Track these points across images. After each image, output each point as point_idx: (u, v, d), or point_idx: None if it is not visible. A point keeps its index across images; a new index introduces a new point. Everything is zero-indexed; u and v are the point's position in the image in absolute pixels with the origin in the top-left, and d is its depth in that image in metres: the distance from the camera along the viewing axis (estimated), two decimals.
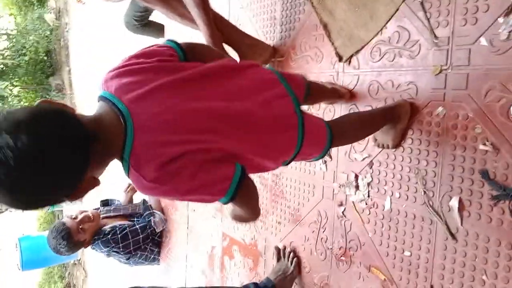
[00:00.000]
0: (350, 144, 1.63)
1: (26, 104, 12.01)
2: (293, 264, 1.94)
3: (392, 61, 1.47)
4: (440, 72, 1.33)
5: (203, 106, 0.94)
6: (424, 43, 1.37)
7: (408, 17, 1.41)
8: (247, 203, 1.06)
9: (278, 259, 2.03)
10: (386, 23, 1.48)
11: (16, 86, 11.02)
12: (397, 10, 1.44)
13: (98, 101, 0.91)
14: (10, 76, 10.95)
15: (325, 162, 1.77)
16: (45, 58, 10.93)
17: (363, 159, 1.59)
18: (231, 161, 0.95)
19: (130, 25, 2.68)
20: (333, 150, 1.72)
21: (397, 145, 1.46)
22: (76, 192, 0.79)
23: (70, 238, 2.57)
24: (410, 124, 1.42)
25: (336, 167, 1.72)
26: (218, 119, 0.95)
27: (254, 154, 1.03)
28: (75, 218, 2.64)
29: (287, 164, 1.21)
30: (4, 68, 10.82)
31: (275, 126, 1.07)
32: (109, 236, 2.75)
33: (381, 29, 1.50)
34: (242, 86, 1.06)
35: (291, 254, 1.97)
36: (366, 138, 1.57)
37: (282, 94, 1.14)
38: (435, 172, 1.36)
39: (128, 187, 3.36)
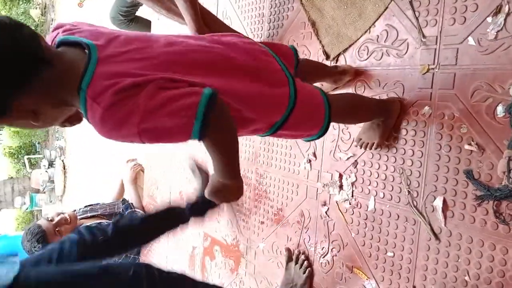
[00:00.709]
0: (336, 143, 1.62)
1: None
2: (305, 274, 1.72)
3: (379, 59, 1.46)
4: (428, 71, 1.32)
5: (178, 47, 0.92)
6: (412, 42, 1.36)
7: (397, 16, 1.40)
8: (224, 134, 0.88)
9: (288, 262, 1.82)
10: (375, 21, 1.47)
11: None
12: (386, 8, 1.44)
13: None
14: None
15: (310, 161, 1.75)
16: None
17: (348, 158, 1.58)
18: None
19: (116, 20, 2.64)
20: (318, 149, 1.71)
21: (382, 143, 1.44)
22: (5, 117, 0.76)
23: (45, 241, 2.49)
24: (398, 123, 1.41)
25: (321, 166, 1.70)
26: (197, 56, 0.92)
27: (239, 101, 0.94)
28: (52, 220, 2.56)
29: (275, 131, 1.11)
30: None
31: (261, 76, 1.03)
32: None
33: (370, 28, 1.49)
34: (225, 40, 1.07)
35: (305, 263, 1.75)
36: (351, 137, 1.55)
37: (266, 53, 1.12)
38: (419, 172, 1.35)
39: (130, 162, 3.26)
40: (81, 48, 0.83)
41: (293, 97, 1.07)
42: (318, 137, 1.22)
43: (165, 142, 0.83)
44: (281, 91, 1.06)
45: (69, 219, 2.67)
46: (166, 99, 0.78)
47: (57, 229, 2.57)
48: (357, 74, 1.54)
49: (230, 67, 0.98)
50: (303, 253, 1.78)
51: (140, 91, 0.77)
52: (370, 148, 1.47)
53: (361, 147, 1.50)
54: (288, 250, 1.85)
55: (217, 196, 1.00)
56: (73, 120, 0.92)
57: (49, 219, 2.62)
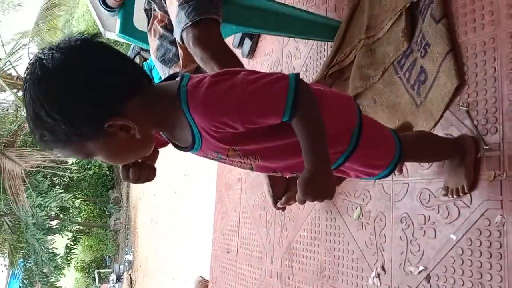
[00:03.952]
0: (405, 255, 1.54)
1: (85, 216, 12.58)
2: None
3: (442, 168, 1.44)
4: (494, 178, 1.28)
5: None
6: None
7: (455, 125, 1.42)
8: (312, 111, 0.90)
9: None
10: None
11: (78, 198, 11.67)
12: (436, 123, 1.47)
13: None
14: (74, 189, 11.66)
15: (378, 275, 1.66)
16: (108, 172, 11.64)
17: (419, 272, 1.49)
18: None
19: None
20: (386, 262, 1.63)
21: (473, 183, 1.33)
22: (101, 135, 0.80)
23: None
24: (477, 163, 1.33)
25: (390, 281, 1.61)
26: None
27: None
28: None
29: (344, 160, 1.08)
30: (70, 181, 11.59)
31: None
32: None
33: None
34: None
35: None
36: (421, 249, 1.48)
37: None
38: None
39: None
40: None
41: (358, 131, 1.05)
42: (387, 174, 1.16)
43: (259, 119, 0.87)
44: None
45: None
46: (261, 76, 0.86)
47: None
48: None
49: None
50: None
51: (235, 74, 0.86)
52: (462, 193, 1.34)
53: (452, 195, 1.37)
54: None
55: (309, 189, 0.91)
56: (149, 160, 0.98)
57: None
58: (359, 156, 1.06)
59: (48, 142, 0.79)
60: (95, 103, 0.77)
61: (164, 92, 0.87)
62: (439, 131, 1.47)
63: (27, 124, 0.81)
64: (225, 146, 0.93)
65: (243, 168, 1.09)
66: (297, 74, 0.88)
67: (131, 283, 8.91)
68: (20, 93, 9.87)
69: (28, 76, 0.76)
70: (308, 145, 0.91)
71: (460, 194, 1.34)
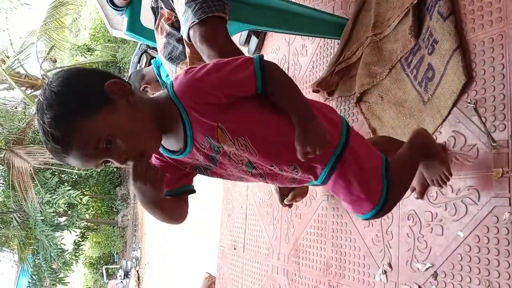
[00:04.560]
0: (412, 252, 1.54)
1: (93, 213, 12.67)
2: None
3: (452, 164, 1.44)
4: (502, 175, 1.28)
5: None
6: (482, 147, 1.35)
7: (463, 122, 1.41)
8: (282, 77, 1.00)
9: None
10: (433, 132, 1.50)
11: (86, 195, 11.76)
12: (444, 121, 1.47)
13: None
14: (82, 186, 11.76)
15: (385, 272, 1.66)
16: (115, 169, 11.71)
17: (426, 269, 1.49)
18: None
19: None
20: (393, 258, 1.63)
21: (448, 167, 1.37)
22: (106, 103, 0.88)
23: None
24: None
25: (397, 278, 1.61)
26: None
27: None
28: None
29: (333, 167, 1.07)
30: (78, 178, 11.69)
31: None
32: None
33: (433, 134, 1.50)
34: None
35: None
36: (428, 245, 1.48)
37: None
38: (509, 286, 1.23)
39: None
40: None
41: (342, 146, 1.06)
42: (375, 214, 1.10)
43: (235, 91, 0.95)
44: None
45: None
46: (230, 60, 0.96)
47: None
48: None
49: None
50: None
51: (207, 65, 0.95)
52: (446, 179, 1.36)
53: (439, 185, 1.40)
54: None
55: (305, 140, 0.96)
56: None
57: None
58: (343, 174, 1.06)
59: (60, 129, 0.84)
60: (93, 77, 0.92)
61: (153, 97, 0.99)
62: (446, 128, 1.46)
63: (42, 125, 0.86)
64: (212, 122, 0.95)
65: (241, 167, 1.07)
66: (261, 55, 0.98)
67: (138, 279, 8.97)
68: (29, 91, 9.95)
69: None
70: (289, 106, 0.98)
71: (445, 180, 1.38)
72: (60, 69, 0.92)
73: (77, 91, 0.87)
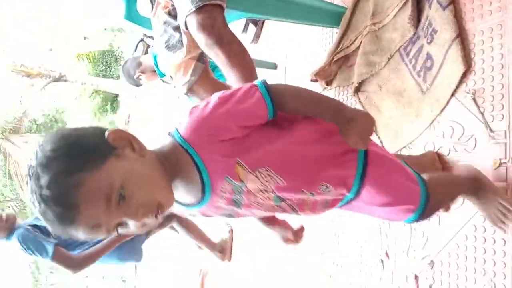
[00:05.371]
0: (409, 241, 1.55)
1: None
2: None
3: (447, 155, 1.45)
4: (500, 165, 1.28)
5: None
6: (480, 137, 1.35)
7: (461, 112, 1.41)
8: (288, 88, 0.94)
9: None
10: (432, 122, 1.50)
11: None
12: (442, 110, 1.46)
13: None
14: None
15: (382, 261, 1.67)
16: None
17: (423, 258, 1.50)
18: None
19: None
20: (391, 247, 1.64)
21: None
22: (111, 154, 0.79)
23: None
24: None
25: (394, 267, 1.62)
26: None
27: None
28: None
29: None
30: None
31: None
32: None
33: (427, 128, 1.52)
34: None
35: None
36: (424, 235, 1.49)
37: None
38: (504, 275, 1.24)
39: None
40: None
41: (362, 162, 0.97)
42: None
43: (248, 120, 0.88)
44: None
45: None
46: (234, 91, 0.89)
47: None
48: None
49: None
50: None
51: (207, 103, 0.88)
52: (510, 212, 1.20)
53: (501, 223, 1.23)
54: None
55: (353, 134, 0.91)
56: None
57: None
58: (375, 177, 0.98)
59: (64, 183, 0.73)
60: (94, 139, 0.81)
61: (158, 148, 0.89)
62: (444, 118, 1.46)
63: (37, 191, 0.74)
64: (230, 160, 0.87)
65: (268, 203, 0.96)
66: (263, 79, 0.92)
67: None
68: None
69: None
70: (314, 111, 0.93)
71: (506, 212, 1.21)
72: (46, 134, 0.82)
73: (77, 145, 0.77)
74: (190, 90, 1.91)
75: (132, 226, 0.80)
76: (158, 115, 6.19)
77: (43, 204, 0.73)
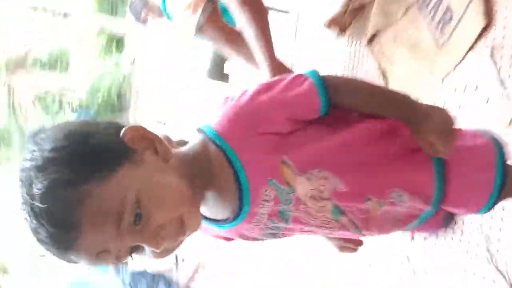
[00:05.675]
0: None
1: None
2: None
3: (458, 111, 1.43)
4: (511, 124, 1.28)
5: None
6: (494, 95, 1.33)
7: (477, 67, 1.39)
8: (347, 79, 0.84)
9: None
10: (445, 77, 1.48)
11: None
12: (457, 65, 1.44)
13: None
14: None
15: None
16: (115, 98, 11.71)
17: None
18: None
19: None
20: None
21: None
22: (127, 158, 0.61)
23: None
24: None
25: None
26: None
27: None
28: None
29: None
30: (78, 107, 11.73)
31: None
32: None
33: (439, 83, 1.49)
34: None
35: None
36: None
37: None
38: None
39: None
40: None
41: None
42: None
43: (297, 110, 0.71)
44: None
45: None
46: (279, 78, 0.72)
47: None
48: None
49: None
50: None
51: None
52: None
53: None
54: None
55: (433, 132, 0.71)
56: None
57: None
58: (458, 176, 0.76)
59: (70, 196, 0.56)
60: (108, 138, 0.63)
61: (186, 149, 0.71)
62: (458, 73, 1.44)
63: (29, 201, 0.56)
64: (275, 157, 0.69)
65: (324, 217, 0.75)
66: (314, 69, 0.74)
67: None
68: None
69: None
70: (382, 107, 0.75)
71: None
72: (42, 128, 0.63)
73: (84, 146, 0.59)
74: (200, 31, 1.88)
75: (149, 252, 0.63)
76: (163, 60, 6.16)
77: (34, 219, 0.56)
